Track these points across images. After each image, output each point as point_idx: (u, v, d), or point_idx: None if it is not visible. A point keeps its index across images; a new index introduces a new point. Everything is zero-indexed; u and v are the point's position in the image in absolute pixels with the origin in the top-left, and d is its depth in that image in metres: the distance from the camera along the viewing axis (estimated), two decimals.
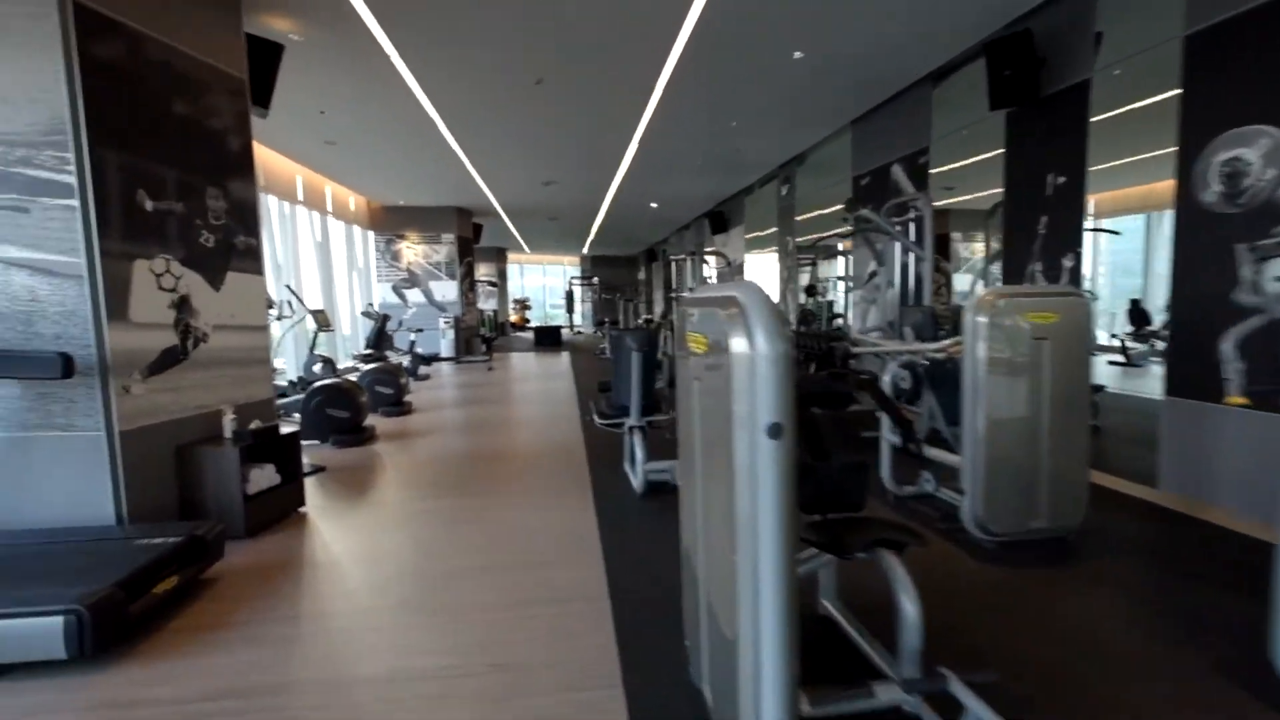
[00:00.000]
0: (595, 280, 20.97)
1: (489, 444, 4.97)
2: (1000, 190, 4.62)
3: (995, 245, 4.81)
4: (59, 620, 1.84)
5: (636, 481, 3.50)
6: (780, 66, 4.85)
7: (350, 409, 4.94)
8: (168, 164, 2.97)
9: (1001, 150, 4.35)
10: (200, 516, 2.97)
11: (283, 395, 6.15)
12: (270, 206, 8.10)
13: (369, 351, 8.02)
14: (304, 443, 4.94)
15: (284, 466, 3.34)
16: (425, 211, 11.65)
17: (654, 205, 11.77)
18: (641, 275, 23.70)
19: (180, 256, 3.03)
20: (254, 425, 3.18)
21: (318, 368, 7.69)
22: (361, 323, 10.13)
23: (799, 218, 8.07)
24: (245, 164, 3.49)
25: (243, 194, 3.45)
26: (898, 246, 5.05)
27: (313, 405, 4.87)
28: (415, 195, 10.70)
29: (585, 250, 22.11)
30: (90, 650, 1.87)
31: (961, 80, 4.79)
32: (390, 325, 10.30)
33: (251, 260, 3.50)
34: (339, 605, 2.33)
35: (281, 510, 3.29)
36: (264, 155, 7.43)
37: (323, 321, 7.71)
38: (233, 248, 3.37)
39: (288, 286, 6.76)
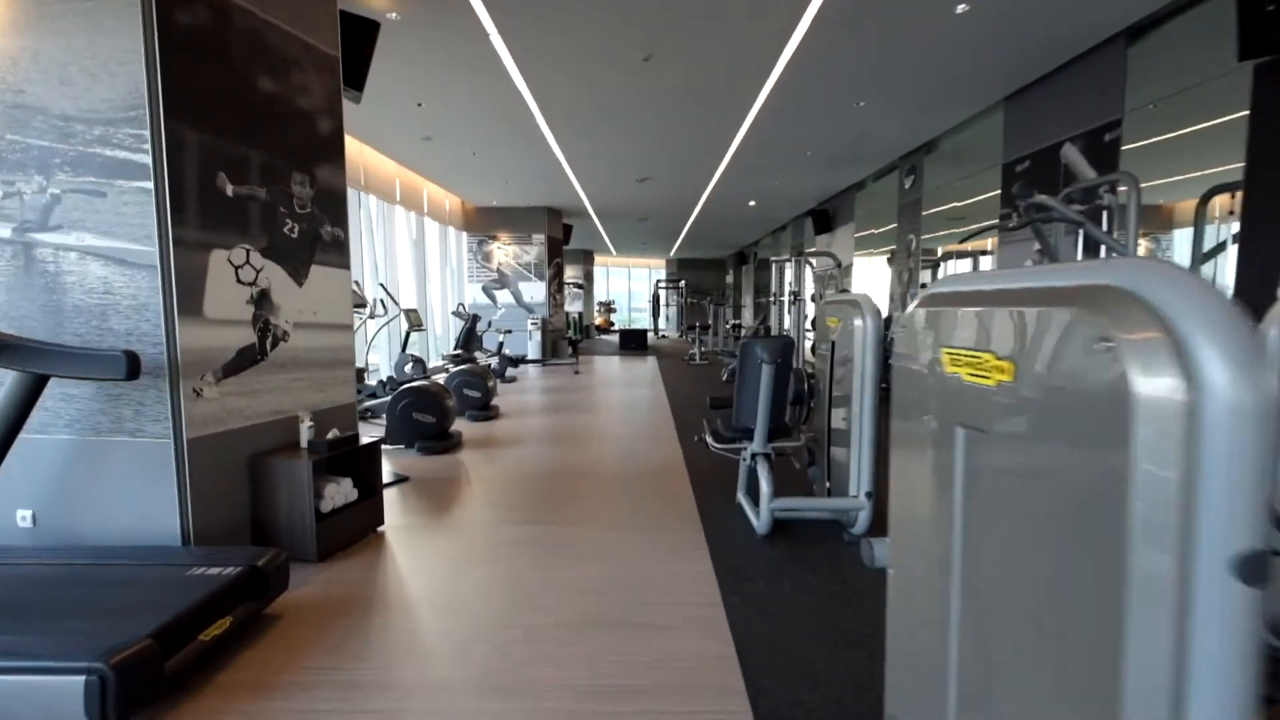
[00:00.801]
0: (682, 283, 20.45)
1: (580, 459, 4.52)
2: (1203, 174, 3.65)
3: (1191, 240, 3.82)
4: (79, 681, 1.50)
5: (759, 520, 2.90)
6: (935, 26, 4.09)
7: (437, 414, 4.65)
8: (251, 145, 2.71)
9: (1216, 122, 3.41)
10: (271, 535, 2.68)
11: (373, 395, 6.03)
12: (370, 206, 8.17)
13: (458, 352, 7.88)
14: (389, 447, 4.72)
15: (363, 480, 3.01)
16: (517, 212, 11.57)
17: (752, 204, 11.08)
18: (729, 279, 22.95)
19: (261, 247, 2.75)
20: (332, 435, 2.86)
21: (409, 367, 7.63)
22: (452, 323, 10.13)
23: (926, 212, 7.13)
24: (335, 149, 3.22)
25: (331, 181, 3.17)
26: (1079, 241, 4.14)
27: (399, 409, 4.63)
28: (508, 195, 10.61)
29: (672, 253, 21.66)
30: (114, 718, 1.51)
31: (1173, 32, 3.83)
32: (479, 326, 10.25)
33: (338, 254, 3.22)
34: (408, 673, 1.89)
35: (358, 530, 2.95)
36: (366, 155, 7.45)
37: (414, 321, 7.65)
38: (319, 239, 3.09)
39: (382, 285, 6.69)
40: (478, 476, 4.08)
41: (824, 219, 10.67)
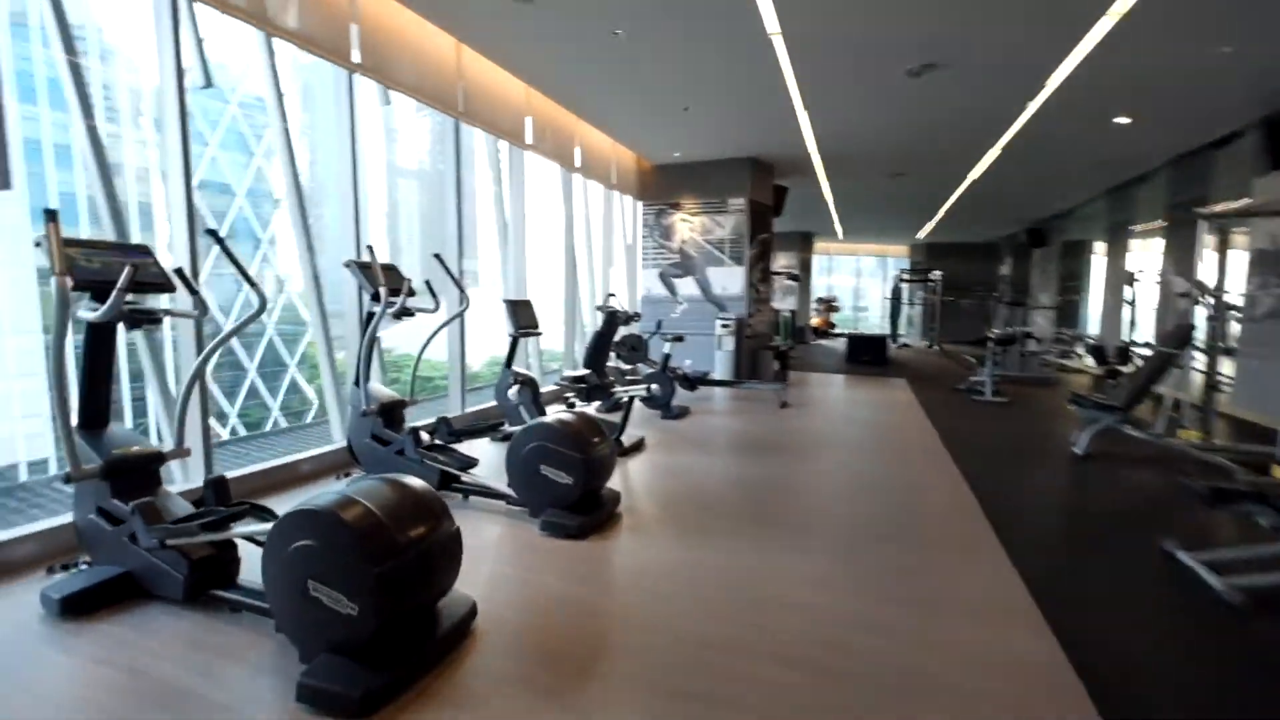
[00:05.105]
0: (934, 275, 15.28)
1: None
2: None
3: None
4: None
5: None
6: None
7: (366, 594, 1.58)
8: None
9: None
10: None
11: (399, 450, 3.28)
12: (503, 153, 5.61)
13: (584, 373, 4.91)
14: None
15: None
16: (708, 167, 8.31)
17: (1123, 120, 6.25)
18: (1004, 270, 16.92)
19: None
20: None
21: (512, 392, 4.84)
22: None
23: None
24: None
25: None
26: None
27: (285, 559, 1.64)
28: (693, 141, 7.41)
29: (921, 234, 16.48)
30: None
31: None
32: (642, 326, 7.23)
33: None
34: None
35: None
36: (476, 66, 4.81)
37: (525, 320, 4.84)
38: None
39: (436, 256, 3.94)
40: None
41: None
